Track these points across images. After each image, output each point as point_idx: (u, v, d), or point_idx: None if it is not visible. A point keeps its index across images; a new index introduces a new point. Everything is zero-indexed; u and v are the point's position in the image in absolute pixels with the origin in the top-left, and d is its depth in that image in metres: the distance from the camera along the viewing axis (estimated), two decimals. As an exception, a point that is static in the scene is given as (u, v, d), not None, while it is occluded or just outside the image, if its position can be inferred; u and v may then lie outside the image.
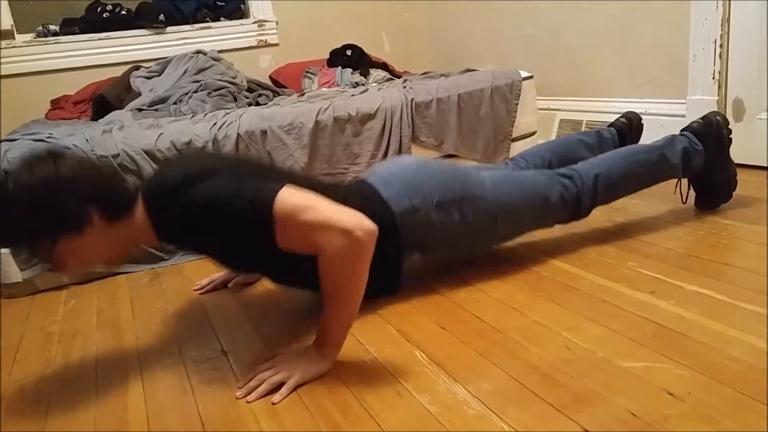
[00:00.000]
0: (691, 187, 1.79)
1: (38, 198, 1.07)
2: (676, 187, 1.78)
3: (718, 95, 2.16)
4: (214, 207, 1.09)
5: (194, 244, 1.26)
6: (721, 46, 2.11)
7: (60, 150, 1.13)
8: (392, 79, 2.90)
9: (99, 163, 1.18)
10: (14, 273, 1.75)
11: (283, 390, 1.09)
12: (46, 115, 2.78)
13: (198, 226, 1.11)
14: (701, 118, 1.72)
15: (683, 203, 1.80)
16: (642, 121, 1.91)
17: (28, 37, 2.93)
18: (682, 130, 1.72)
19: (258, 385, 1.11)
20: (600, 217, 1.84)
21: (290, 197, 1.08)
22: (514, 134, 2.44)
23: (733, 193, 1.76)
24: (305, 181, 1.26)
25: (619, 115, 1.92)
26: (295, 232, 1.08)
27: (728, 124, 1.71)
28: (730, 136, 1.71)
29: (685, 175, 1.71)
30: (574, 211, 1.57)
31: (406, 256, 1.42)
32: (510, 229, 1.54)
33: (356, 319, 1.33)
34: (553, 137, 2.86)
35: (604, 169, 1.58)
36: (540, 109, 2.71)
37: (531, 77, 2.51)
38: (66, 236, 1.11)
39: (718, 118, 1.70)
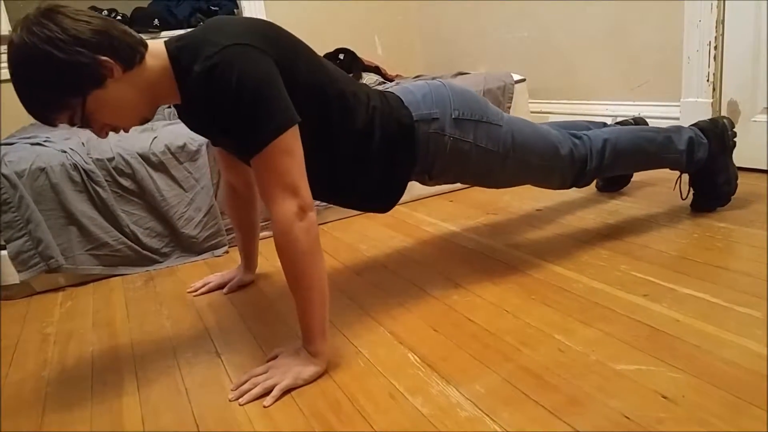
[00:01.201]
0: (691, 188, 1.79)
1: (52, 60, 1.04)
2: (677, 183, 1.78)
3: (713, 97, 2.17)
4: (240, 82, 1.06)
5: (206, 109, 1.18)
6: (715, 48, 2.12)
7: (53, 5, 1.09)
8: (384, 83, 2.90)
9: (95, 12, 1.13)
10: (11, 275, 1.75)
11: (275, 393, 1.09)
12: (42, 118, 2.78)
13: (220, 88, 1.08)
14: (709, 119, 1.75)
15: (682, 199, 1.81)
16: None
17: (24, 41, 2.92)
18: (689, 126, 1.74)
19: (251, 388, 1.11)
20: (593, 219, 1.84)
21: (288, 141, 1.08)
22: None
23: (732, 198, 1.76)
24: (334, 70, 1.29)
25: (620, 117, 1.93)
26: (265, 165, 1.09)
27: (734, 127, 1.73)
28: (735, 139, 1.73)
29: (689, 166, 1.70)
30: (580, 172, 1.57)
31: (412, 171, 1.41)
32: (517, 170, 1.51)
33: (349, 321, 1.35)
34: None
35: (614, 136, 1.60)
36: (532, 112, 2.72)
37: (523, 80, 2.52)
38: (91, 92, 1.09)
39: (725, 120, 1.72)
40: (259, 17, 1.24)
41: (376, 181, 1.36)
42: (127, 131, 1.21)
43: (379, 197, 1.41)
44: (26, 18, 1.06)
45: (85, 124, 1.14)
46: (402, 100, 1.38)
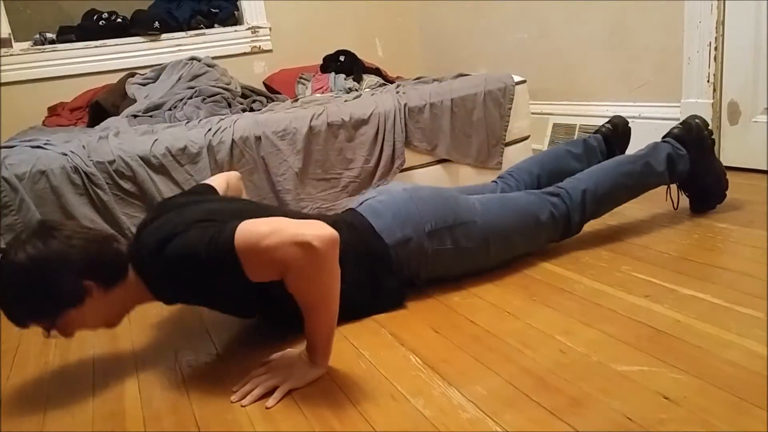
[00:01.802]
0: (683, 193, 1.79)
1: (36, 279, 1.09)
2: (667, 193, 1.78)
3: (713, 98, 2.17)
4: (186, 262, 1.09)
5: (189, 297, 1.26)
6: (715, 48, 2.12)
7: (52, 223, 1.15)
8: (385, 85, 2.90)
9: (89, 230, 1.18)
10: (10, 279, 1.75)
11: (277, 394, 1.09)
12: (44, 122, 2.79)
13: (182, 281, 1.13)
14: (680, 123, 1.74)
15: (675, 209, 1.81)
16: (629, 125, 1.90)
17: (26, 45, 2.94)
18: (664, 137, 1.73)
19: (253, 389, 1.11)
20: (593, 221, 1.84)
21: (249, 229, 1.06)
22: (507, 139, 2.44)
23: (726, 193, 1.76)
24: (292, 213, 1.29)
25: (605, 121, 1.92)
26: (259, 261, 1.05)
27: (708, 125, 1.73)
28: (712, 137, 1.73)
29: (672, 180, 1.72)
30: (565, 229, 1.59)
31: (400, 283, 1.42)
32: (502, 252, 1.53)
33: (351, 323, 1.34)
34: (546, 141, 2.87)
35: (591, 184, 1.60)
36: (533, 113, 2.72)
37: (524, 81, 2.52)
38: (68, 311, 1.13)
39: (696, 121, 1.72)
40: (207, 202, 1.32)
41: (374, 300, 1.38)
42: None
43: (386, 306, 1.41)
44: (21, 235, 1.13)
45: (54, 329, 1.17)
46: (374, 228, 1.38)
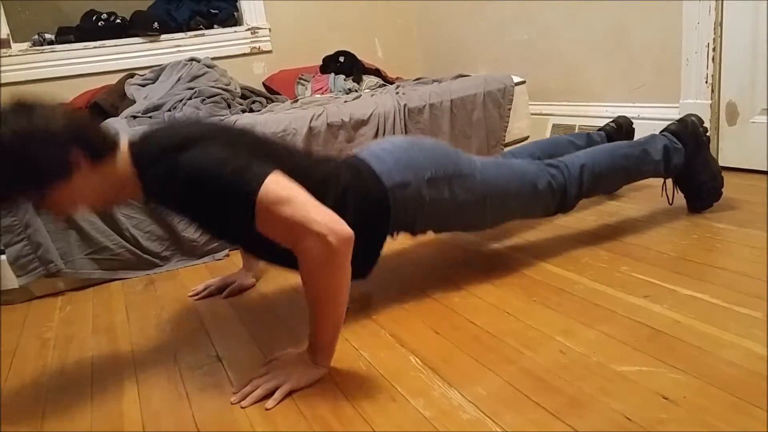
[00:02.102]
0: (679, 191, 1.80)
1: (22, 152, 1.04)
2: (663, 189, 1.79)
3: (711, 99, 2.17)
4: (198, 177, 1.07)
5: (177, 207, 1.22)
6: (714, 49, 2.13)
7: (31, 100, 1.09)
8: (385, 85, 2.90)
9: (69, 107, 1.14)
10: (10, 279, 1.75)
11: (277, 395, 1.09)
12: (42, 122, 2.78)
13: (182, 192, 1.09)
14: (677, 120, 1.76)
15: (670, 204, 1.82)
16: (633, 126, 1.93)
17: (24, 45, 2.93)
18: (661, 132, 1.75)
19: (252, 391, 1.11)
20: (593, 221, 1.85)
21: (274, 187, 1.05)
22: (507, 139, 2.45)
23: (723, 191, 1.77)
24: (298, 156, 1.27)
25: (610, 120, 1.94)
26: (271, 222, 1.06)
27: (703, 123, 1.74)
28: (707, 134, 1.75)
29: (667, 173, 1.73)
30: (561, 201, 1.58)
31: (389, 235, 1.41)
32: (498, 213, 1.53)
33: (350, 323, 1.34)
34: (547, 142, 2.88)
35: (589, 160, 1.61)
36: (532, 114, 2.72)
37: (523, 82, 2.52)
38: (56, 184, 1.09)
39: (692, 118, 1.74)
40: (221, 123, 1.26)
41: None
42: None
43: (356, 268, 1.39)
44: (2, 109, 1.08)
45: (45, 208, 1.15)
46: (374, 170, 1.37)
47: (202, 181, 1.07)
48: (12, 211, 1.13)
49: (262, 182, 1.05)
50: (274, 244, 1.10)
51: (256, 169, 1.07)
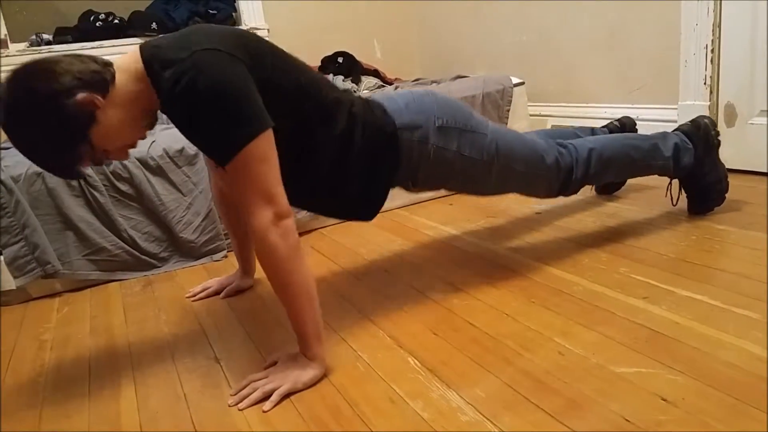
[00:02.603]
0: (683, 191, 1.79)
1: (46, 126, 1.07)
2: (668, 189, 1.78)
3: (710, 100, 2.17)
4: (201, 99, 1.05)
5: (179, 123, 1.19)
6: (712, 51, 2.13)
7: (23, 66, 1.10)
8: (384, 86, 2.90)
9: (54, 60, 1.13)
10: (7, 281, 1.75)
11: (274, 397, 1.09)
12: (39, 123, 2.78)
13: (183, 105, 1.09)
14: (690, 121, 1.75)
15: (673, 205, 1.81)
16: (636, 127, 1.93)
17: (22, 46, 2.92)
18: (673, 131, 1.74)
19: (250, 393, 1.11)
20: (592, 222, 1.84)
21: (261, 147, 1.07)
22: (507, 140, 2.44)
23: (726, 196, 1.76)
24: (314, 73, 1.26)
25: (614, 119, 1.94)
26: (240, 173, 1.08)
27: (716, 126, 1.73)
28: (719, 138, 1.73)
29: (676, 172, 1.71)
30: (566, 181, 1.57)
31: (395, 179, 1.40)
32: (501, 178, 1.50)
33: (348, 325, 1.34)
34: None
35: (599, 145, 1.61)
36: (531, 115, 2.72)
37: (522, 83, 2.53)
38: (90, 131, 1.10)
39: (705, 120, 1.72)
40: (238, 28, 1.22)
41: (357, 189, 1.35)
42: (144, 138, 1.22)
43: (361, 205, 1.40)
44: (13, 80, 1.09)
45: (105, 157, 1.17)
46: (385, 108, 1.37)
47: (209, 93, 1.05)
48: (79, 177, 1.17)
49: (255, 137, 1.06)
50: None
51: (255, 119, 1.07)
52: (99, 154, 1.15)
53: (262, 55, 1.16)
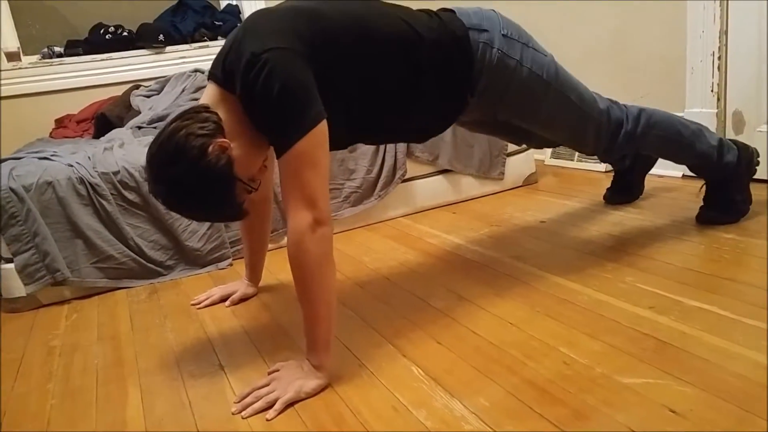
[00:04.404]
0: (703, 200, 1.78)
1: (199, 191, 1.16)
2: (701, 190, 1.78)
3: (717, 108, 2.16)
4: (264, 96, 1.10)
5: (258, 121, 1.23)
6: (719, 58, 2.12)
7: (165, 141, 1.15)
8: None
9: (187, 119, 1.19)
10: (17, 288, 1.76)
11: (278, 406, 1.08)
12: (51, 133, 2.82)
13: (256, 101, 1.14)
14: (742, 142, 1.77)
15: (700, 207, 1.81)
16: None
17: (34, 58, 2.97)
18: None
19: (254, 401, 1.11)
20: (597, 231, 1.84)
21: (312, 145, 1.11)
22: (510, 149, 2.44)
23: (742, 219, 1.76)
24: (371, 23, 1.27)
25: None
26: (289, 170, 1.11)
27: (758, 156, 1.77)
28: (757, 167, 1.76)
29: (719, 165, 1.69)
30: (615, 132, 1.57)
31: (470, 81, 1.38)
32: (557, 105, 1.49)
33: (352, 333, 1.34)
34: (548, 151, 2.87)
35: (649, 109, 1.62)
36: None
37: (528, 92, 2.52)
38: (234, 176, 1.17)
39: (753, 148, 1.76)
40: (292, 6, 1.25)
41: (435, 97, 1.36)
42: (268, 148, 1.27)
43: (440, 113, 1.42)
44: (155, 169, 1.17)
45: (253, 182, 1.24)
46: (455, 12, 1.39)
47: (268, 91, 1.09)
48: (242, 216, 1.26)
49: (306, 133, 1.09)
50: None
51: (309, 114, 1.11)
52: (249, 183, 1.22)
53: (319, 34, 1.19)
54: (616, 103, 1.60)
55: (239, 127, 1.19)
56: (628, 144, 1.60)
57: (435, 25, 1.33)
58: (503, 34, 1.39)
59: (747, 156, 1.73)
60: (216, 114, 1.18)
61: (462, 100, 1.40)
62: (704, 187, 1.79)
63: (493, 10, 1.45)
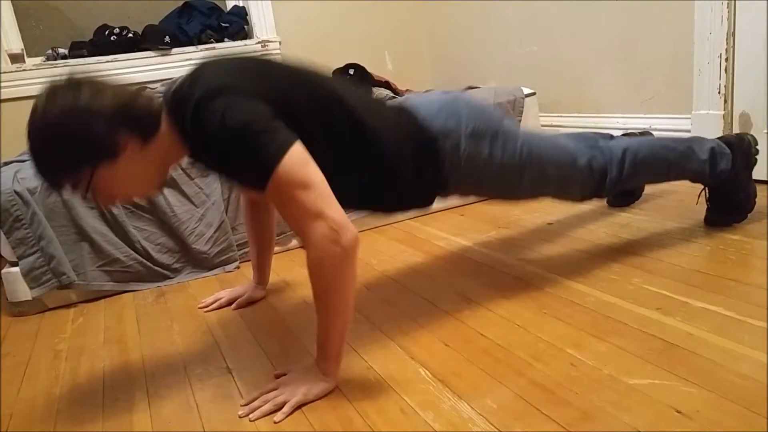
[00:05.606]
0: (708, 202, 1.77)
1: (67, 129, 1.04)
2: (699, 197, 1.76)
3: (724, 110, 2.16)
4: (222, 135, 1.04)
5: (211, 164, 1.21)
6: (726, 60, 2.12)
7: (81, 77, 1.08)
8: (395, 98, 2.91)
9: (118, 84, 1.12)
10: (23, 291, 1.77)
11: (286, 408, 1.08)
12: (55, 135, 2.81)
13: (212, 146, 1.07)
14: (735, 134, 1.73)
15: (707, 211, 1.79)
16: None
17: (38, 60, 2.97)
18: (713, 138, 1.73)
19: (261, 405, 1.11)
20: (604, 232, 1.83)
21: (293, 165, 1.03)
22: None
23: (748, 215, 1.75)
24: (355, 91, 1.25)
25: (630, 130, 1.93)
26: (282, 199, 1.05)
27: (757, 143, 1.72)
28: (757, 156, 1.72)
29: (712, 177, 1.67)
30: (600, 182, 1.54)
31: (440, 179, 1.38)
32: (535, 182, 1.47)
33: (360, 336, 1.34)
34: (557, 153, 2.87)
35: (633, 145, 1.58)
36: (543, 125, 2.72)
37: (533, 94, 2.52)
38: (102, 165, 1.08)
39: (749, 137, 1.71)
40: (252, 56, 1.23)
41: (408, 193, 1.35)
42: (142, 198, 1.19)
43: (417, 201, 1.41)
44: (50, 86, 1.07)
45: (91, 194, 1.13)
46: (417, 116, 1.36)
47: (225, 139, 1.04)
48: (59, 194, 1.12)
49: (281, 158, 1.02)
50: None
51: (278, 142, 1.04)
52: (87, 188, 1.11)
53: (284, 85, 1.16)
54: (599, 148, 1.55)
55: (160, 157, 1.15)
56: (616, 187, 1.59)
57: (393, 132, 1.28)
58: (470, 131, 1.36)
59: (742, 151, 1.68)
60: (159, 123, 1.13)
61: (430, 198, 1.41)
62: (702, 192, 1.77)
63: (457, 98, 1.43)
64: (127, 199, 1.15)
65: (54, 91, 1.06)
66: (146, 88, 1.16)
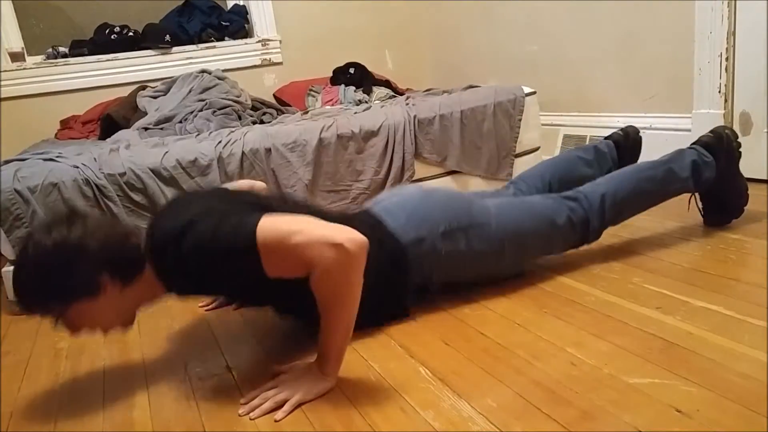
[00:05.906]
0: (699, 202, 1.77)
1: (53, 264, 1.10)
2: (690, 202, 1.76)
3: (725, 109, 2.16)
4: (202, 253, 1.07)
5: (200, 289, 1.27)
6: (726, 59, 2.12)
7: (79, 211, 1.15)
8: (395, 97, 2.91)
9: (113, 224, 1.21)
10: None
11: (286, 407, 1.09)
12: (56, 135, 2.81)
13: (197, 273, 1.11)
14: (710, 132, 1.71)
15: (702, 216, 1.79)
16: (640, 134, 1.88)
17: (38, 59, 2.97)
18: (691, 144, 1.71)
19: (261, 403, 1.11)
20: (605, 232, 1.83)
21: (272, 226, 1.06)
22: (517, 150, 2.44)
23: (744, 209, 1.74)
24: (306, 209, 1.25)
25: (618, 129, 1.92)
26: (282, 258, 1.06)
27: (737, 137, 1.71)
28: (740, 149, 1.70)
29: (697, 188, 1.68)
30: (584, 234, 1.56)
31: (409, 290, 1.41)
32: (518, 256, 1.51)
33: (361, 335, 1.34)
34: (556, 153, 2.86)
35: (611, 188, 1.58)
36: (543, 124, 2.71)
37: (534, 93, 2.52)
38: (77, 303, 1.13)
39: (727, 131, 1.69)
40: (215, 189, 1.33)
41: (382, 305, 1.34)
42: (106, 333, 1.25)
43: (392, 314, 1.41)
44: (51, 217, 1.16)
45: (61, 322, 1.17)
46: (387, 228, 1.37)
47: (207, 255, 1.08)
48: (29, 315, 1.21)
49: (255, 227, 1.05)
50: (296, 293, 1.12)
51: (247, 220, 1.07)
52: (60, 317, 1.16)
53: (242, 203, 1.21)
54: (576, 199, 1.55)
55: (136, 296, 1.20)
56: (601, 231, 1.59)
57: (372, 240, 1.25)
58: (442, 232, 1.38)
59: (724, 151, 1.66)
60: (142, 269, 1.17)
61: (404, 299, 1.42)
62: (692, 198, 1.76)
63: (424, 198, 1.46)
64: (93, 332, 1.22)
65: (51, 223, 1.13)
66: (135, 233, 1.23)
